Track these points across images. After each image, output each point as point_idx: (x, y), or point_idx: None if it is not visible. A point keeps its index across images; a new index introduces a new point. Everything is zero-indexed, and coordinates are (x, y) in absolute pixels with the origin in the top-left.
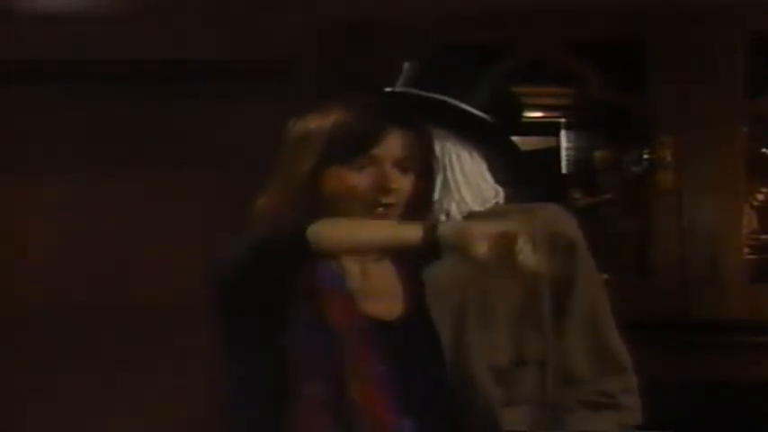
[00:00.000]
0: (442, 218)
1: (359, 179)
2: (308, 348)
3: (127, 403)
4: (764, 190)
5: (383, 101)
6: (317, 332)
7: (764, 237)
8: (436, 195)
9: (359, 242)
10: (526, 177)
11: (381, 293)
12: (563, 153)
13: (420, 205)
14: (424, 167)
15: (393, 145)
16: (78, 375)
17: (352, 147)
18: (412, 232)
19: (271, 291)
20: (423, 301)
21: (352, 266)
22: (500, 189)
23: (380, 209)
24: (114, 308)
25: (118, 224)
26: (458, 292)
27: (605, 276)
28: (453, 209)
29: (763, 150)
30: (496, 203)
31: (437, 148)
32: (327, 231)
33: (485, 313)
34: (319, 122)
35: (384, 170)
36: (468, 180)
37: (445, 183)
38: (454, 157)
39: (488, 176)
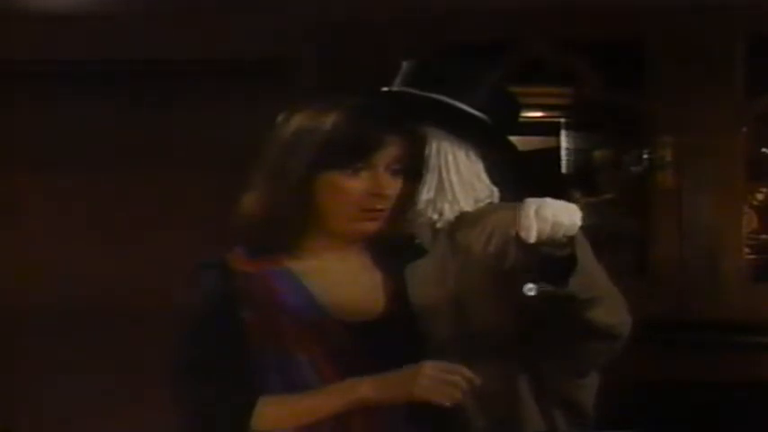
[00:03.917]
0: (435, 217)
1: (354, 184)
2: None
3: (127, 405)
4: (764, 190)
5: (381, 105)
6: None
7: (764, 237)
8: (431, 195)
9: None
10: (524, 177)
11: (356, 294)
12: (563, 153)
13: (403, 207)
14: (413, 170)
15: (389, 150)
16: (78, 377)
17: (350, 152)
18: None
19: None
20: (405, 297)
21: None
22: (495, 189)
23: (371, 213)
24: (114, 310)
25: (117, 225)
26: (442, 287)
27: None
28: (446, 209)
29: (763, 150)
30: (490, 203)
31: (433, 147)
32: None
33: (469, 306)
34: (315, 123)
35: (379, 175)
36: (462, 180)
37: (440, 182)
38: (450, 157)
39: (484, 176)
